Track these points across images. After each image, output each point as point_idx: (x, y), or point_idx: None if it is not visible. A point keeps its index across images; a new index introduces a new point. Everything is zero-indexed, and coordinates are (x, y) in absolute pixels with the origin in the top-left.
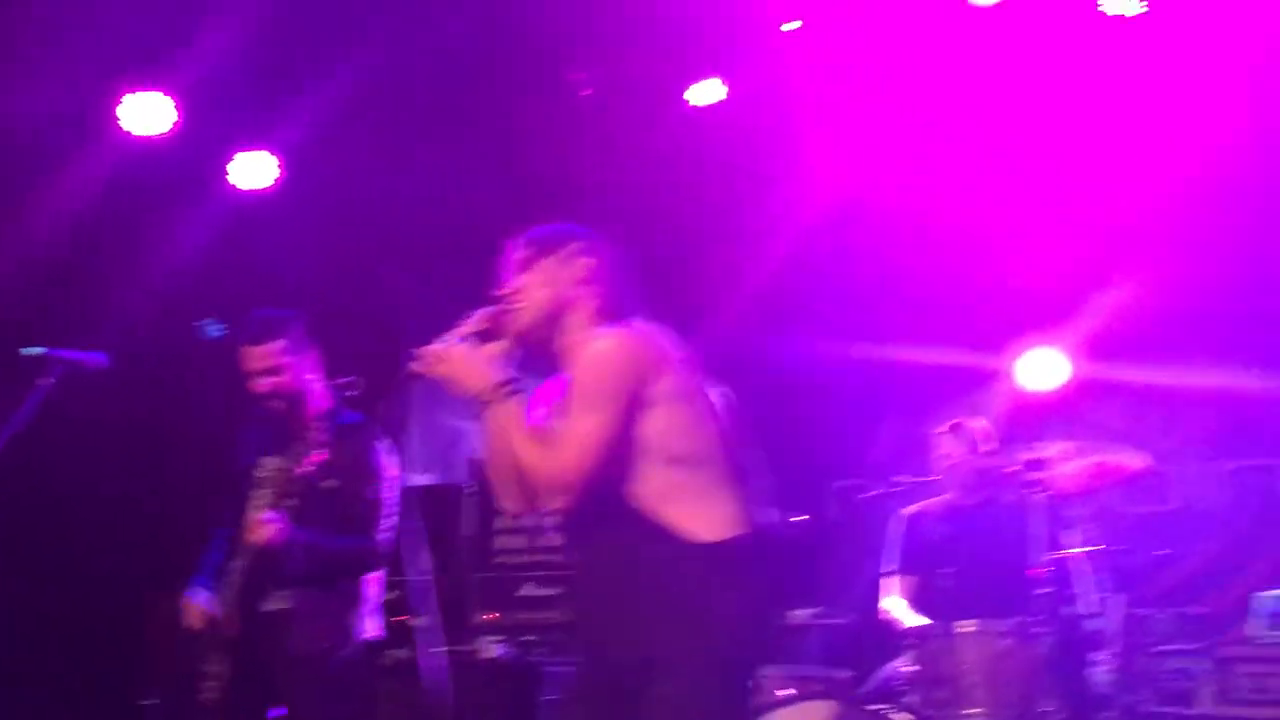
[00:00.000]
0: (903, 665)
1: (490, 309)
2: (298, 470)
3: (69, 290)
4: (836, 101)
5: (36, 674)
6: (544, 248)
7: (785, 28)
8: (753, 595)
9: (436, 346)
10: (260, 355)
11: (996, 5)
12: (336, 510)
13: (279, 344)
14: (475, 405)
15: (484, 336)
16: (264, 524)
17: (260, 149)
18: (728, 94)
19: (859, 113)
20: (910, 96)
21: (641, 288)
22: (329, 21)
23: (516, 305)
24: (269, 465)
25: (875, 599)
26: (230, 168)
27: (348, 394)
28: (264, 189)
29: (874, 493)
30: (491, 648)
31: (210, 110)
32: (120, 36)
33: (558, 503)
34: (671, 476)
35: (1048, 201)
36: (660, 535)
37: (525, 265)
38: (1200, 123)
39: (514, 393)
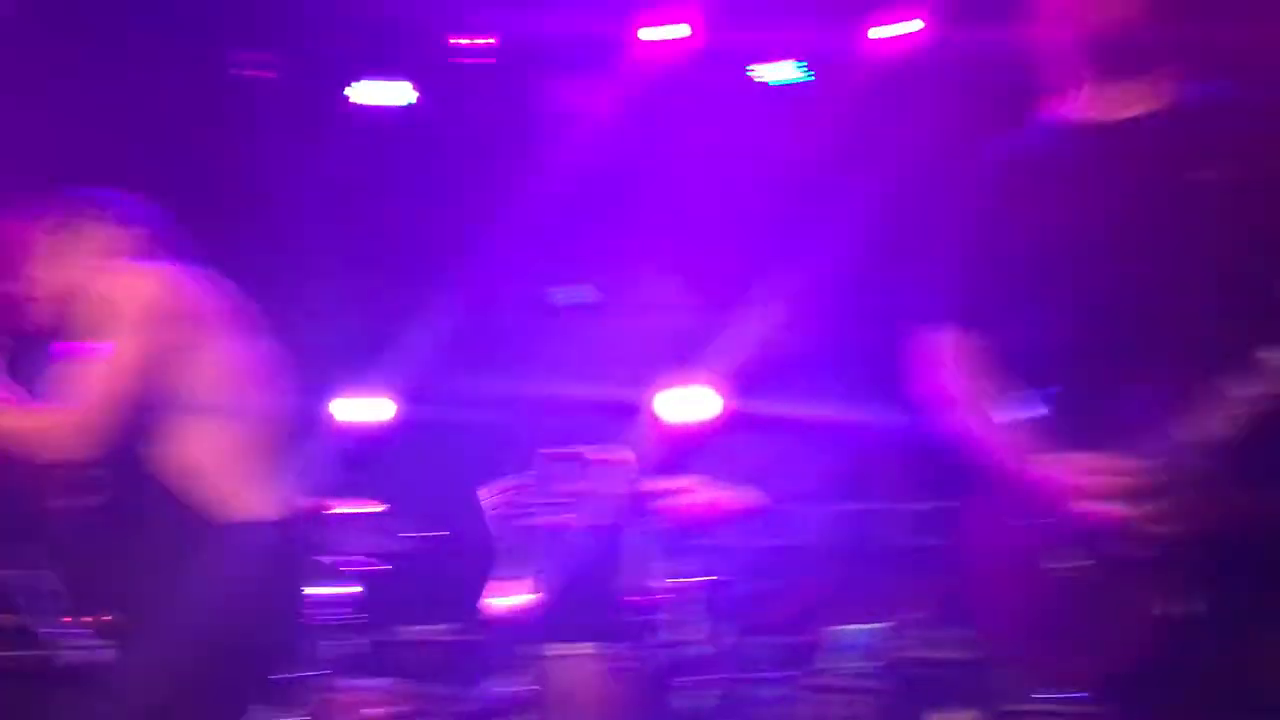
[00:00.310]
0: (506, 685)
1: None
2: None
3: None
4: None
5: None
6: (56, 227)
7: (456, 41)
8: (266, 583)
9: None
10: None
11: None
12: None
13: None
14: None
15: None
16: None
17: None
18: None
19: (511, 142)
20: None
21: (186, 243)
22: None
23: (32, 300)
24: None
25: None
26: None
27: None
28: None
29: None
30: (78, 650)
31: None
32: None
33: (82, 452)
34: (202, 434)
35: (699, 237)
36: (178, 505)
37: (38, 249)
38: (844, 176)
39: None
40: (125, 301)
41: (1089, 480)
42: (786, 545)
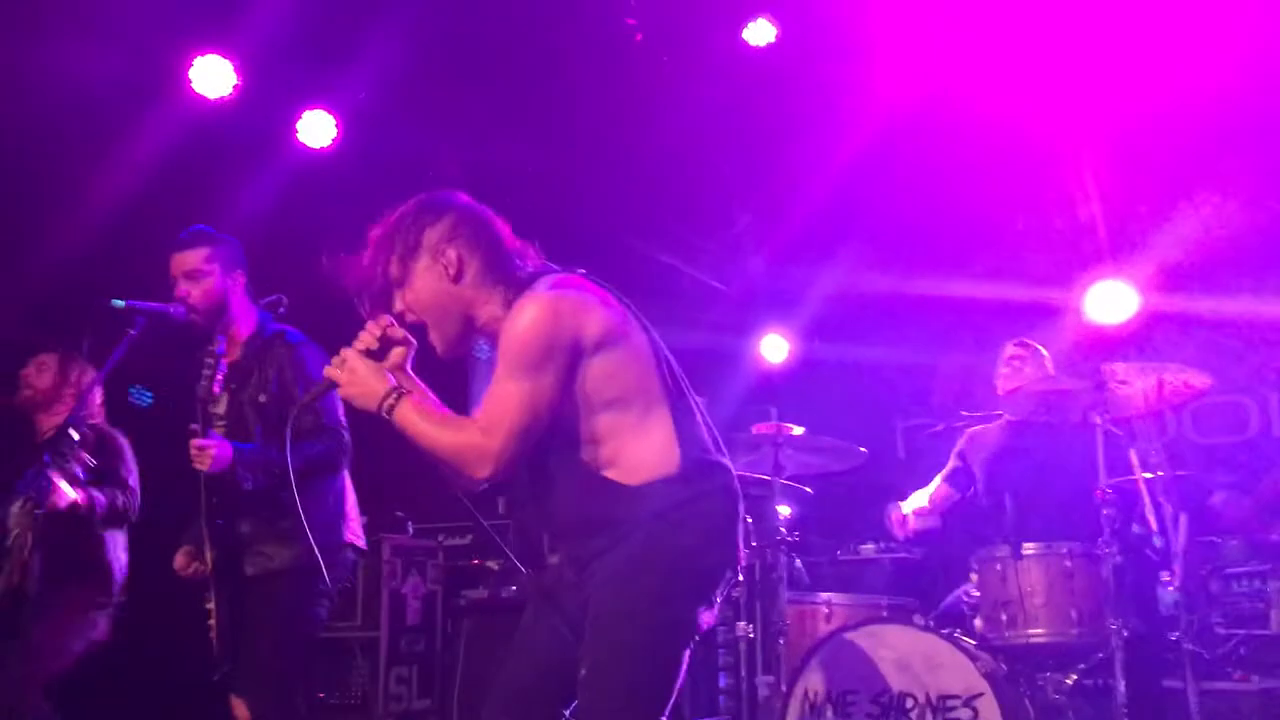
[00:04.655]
0: (968, 590)
1: (380, 323)
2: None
3: (141, 246)
4: (889, 32)
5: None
6: (406, 253)
7: None
8: (706, 530)
9: (341, 360)
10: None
11: None
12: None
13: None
14: (379, 417)
15: (378, 352)
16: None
17: (320, 109)
18: (777, 35)
19: (911, 45)
20: (963, 27)
21: (511, 230)
22: None
23: (414, 326)
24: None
25: (936, 533)
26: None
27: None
28: (323, 148)
29: (938, 428)
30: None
31: (273, 72)
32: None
33: (498, 473)
34: (607, 421)
35: (1116, 132)
36: (600, 481)
37: (399, 280)
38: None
39: (402, 396)
40: (530, 331)
41: None
42: (1255, 438)
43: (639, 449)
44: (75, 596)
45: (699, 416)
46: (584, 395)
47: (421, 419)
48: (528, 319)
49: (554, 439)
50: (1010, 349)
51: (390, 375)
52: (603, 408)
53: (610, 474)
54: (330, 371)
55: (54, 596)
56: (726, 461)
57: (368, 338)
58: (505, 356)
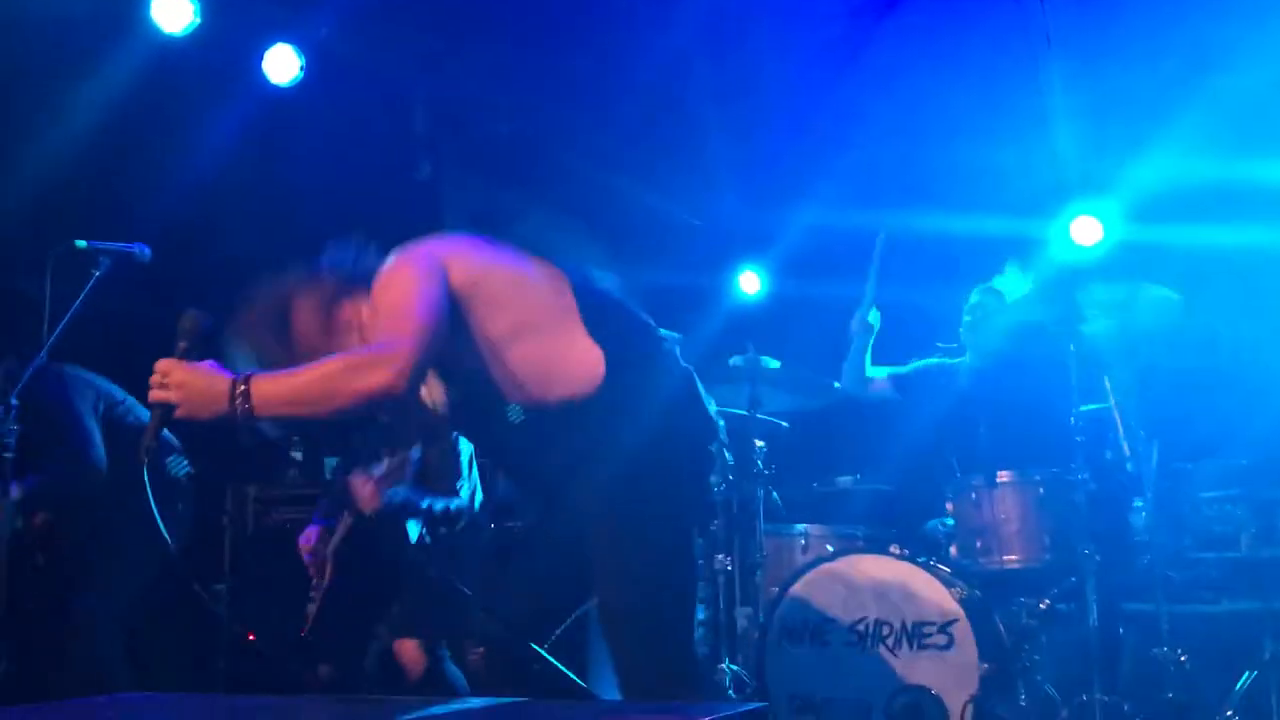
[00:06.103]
0: (943, 519)
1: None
2: None
3: (105, 185)
4: None
5: None
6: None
7: None
8: (665, 415)
9: (161, 377)
10: None
11: None
12: None
13: None
14: (231, 416)
15: (191, 351)
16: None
17: (285, 43)
18: None
19: None
20: None
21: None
22: None
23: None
24: None
25: (912, 465)
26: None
27: None
28: (287, 85)
29: (911, 366)
30: None
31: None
32: None
33: (412, 366)
34: (519, 353)
35: (1088, 59)
36: (542, 413)
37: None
38: None
39: (250, 377)
40: (397, 270)
41: None
42: (1229, 364)
43: (564, 367)
44: None
45: (623, 313)
46: (483, 337)
47: (287, 377)
48: (389, 265)
49: (478, 400)
50: (975, 296)
51: (218, 368)
52: (506, 341)
53: (549, 401)
54: (157, 396)
55: None
56: (661, 344)
57: (181, 344)
58: (380, 300)
